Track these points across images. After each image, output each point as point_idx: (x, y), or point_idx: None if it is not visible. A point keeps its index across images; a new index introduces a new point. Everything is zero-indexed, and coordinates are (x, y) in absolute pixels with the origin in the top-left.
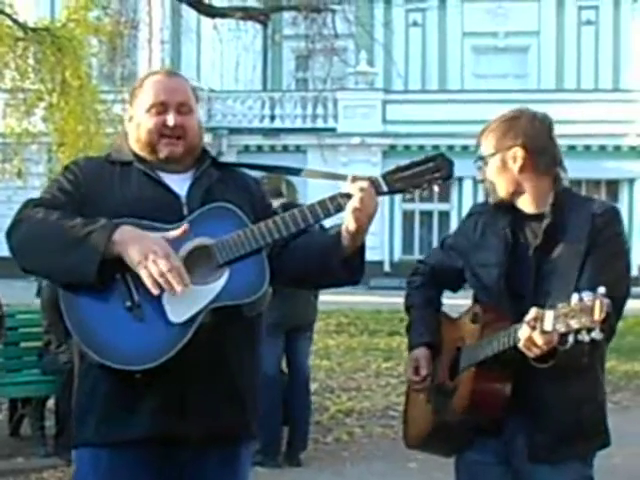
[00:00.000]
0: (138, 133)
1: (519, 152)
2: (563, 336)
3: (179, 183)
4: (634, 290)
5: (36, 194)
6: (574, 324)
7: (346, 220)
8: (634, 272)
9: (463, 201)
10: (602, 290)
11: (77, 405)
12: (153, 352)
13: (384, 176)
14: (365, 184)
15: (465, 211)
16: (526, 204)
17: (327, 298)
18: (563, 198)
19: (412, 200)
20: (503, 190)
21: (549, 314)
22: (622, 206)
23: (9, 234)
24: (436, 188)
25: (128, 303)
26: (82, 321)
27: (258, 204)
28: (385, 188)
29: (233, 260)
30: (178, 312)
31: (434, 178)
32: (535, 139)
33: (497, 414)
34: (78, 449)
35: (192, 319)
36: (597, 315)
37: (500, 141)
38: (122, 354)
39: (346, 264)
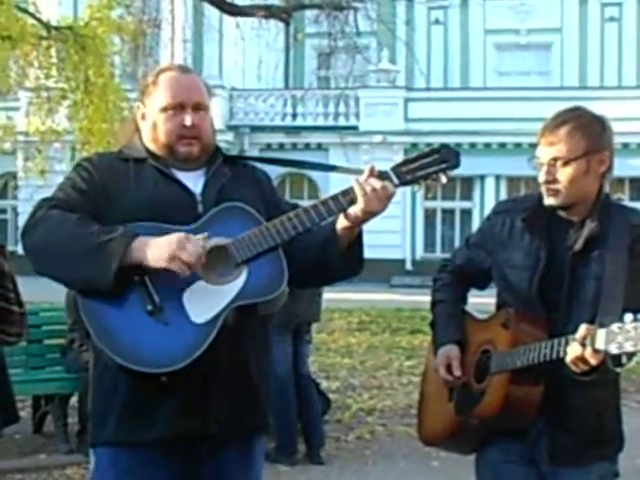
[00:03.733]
0: (155, 133)
1: (607, 157)
2: (616, 357)
3: (193, 180)
4: None
5: None
6: (629, 346)
7: (346, 213)
8: None
9: (485, 199)
10: None
11: (95, 405)
12: (178, 354)
13: (394, 169)
14: (378, 184)
15: (487, 209)
16: (579, 211)
17: (349, 296)
18: (604, 205)
19: (434, 198)
20: (577, 195)
21: (601, 333)
22: None
23: (24, 236)
24: (443, 179)
25: (149, 307)
26: (104, 326)
27: (269, 199)
28: (396, 181)
29: (251, 258)
30: (200, 313)
31: (441, 169)
32: (613, 144)
33: (527, 420)
34: (97, 448)
35: (215, 319)
36: None
37: (594, 142)
38: (148, 357)
39: (345, 256)
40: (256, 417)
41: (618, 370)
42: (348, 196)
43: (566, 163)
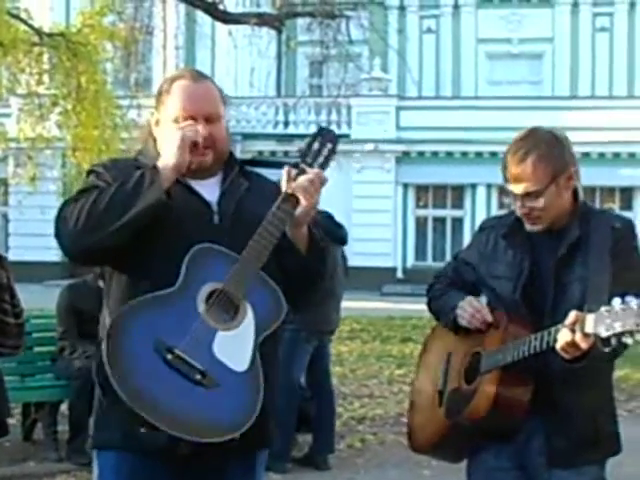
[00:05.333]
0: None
1: (574, 171)
2: (605, 339)
3: (207, 189)
4: None
5: (48, 198)
6: (618, 327)
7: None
8: None
9: (476, 208)
10: None
11: (101, 406)
12: (247, 406)
13: (303, 162)
14: (307, 182)
15: (478, 217)
16: (557, 222)
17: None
18: (583, 211)
19: (425, 206)
20: (556, 215)
21: (590, 317)
22: (636, 213)
23: (60, 231)
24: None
25: (197, 376)
26: (169, 415)
27: None
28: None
29: (247, 292)
30: (237, 361)
31: (330, 150)
32: (574, 154)
33: (517, 419)
34: (100, 451)
35: (253, 360)
36: None
37: (558, 166)
38: (223, 424)
39: (310, 252)
40: (260, 433)
41: (606, 350)
42: (288, 202)
43: (538, 195)
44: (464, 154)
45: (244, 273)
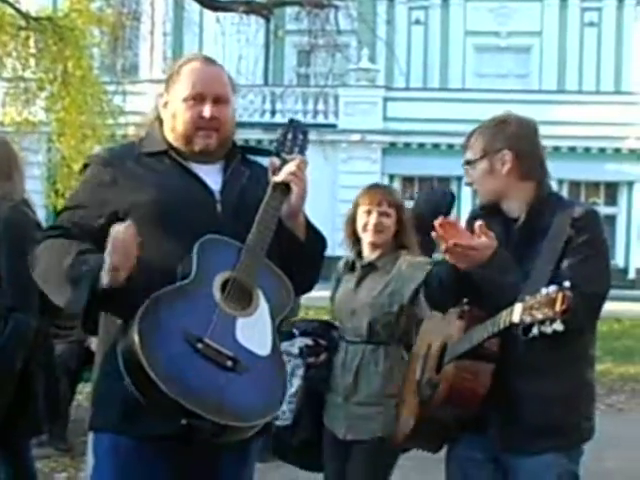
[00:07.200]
0: (174, 123)
1: (508, 155)
2: (527, 327)
3: (210, 177)
4: (631, 293)
5: (33, 183)
6: (538, 315)
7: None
8: (631, 275)
9: (462, 200)
10: (567, 284)
11: (98, 390)
12: (276, 388)
13: (283, 152)
14: (294, 168)
15: (464, 210)
16: (511, 208)
17: (325, 294)
18: (547, 202)
19: (411, 198)
20: (488, 194)
21: (518, 306)
22: (621, 209)
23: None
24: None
25: (229, 363)
26: (213, 403)
27: None
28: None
29: (257, 279)
30: (260, 345)
31: (303, 139)
32: (522, 143)
33: (474, 407)
34: (97, 433)
35: (274, 344)
36: (558, 307)
37: (489, 144)
38: (263, 406)
39: (309, 240)
40: None
41: (528, 337)
42: (279, 190)
43: (472, 165)
44: (450, 146)
45: (252, 261)
